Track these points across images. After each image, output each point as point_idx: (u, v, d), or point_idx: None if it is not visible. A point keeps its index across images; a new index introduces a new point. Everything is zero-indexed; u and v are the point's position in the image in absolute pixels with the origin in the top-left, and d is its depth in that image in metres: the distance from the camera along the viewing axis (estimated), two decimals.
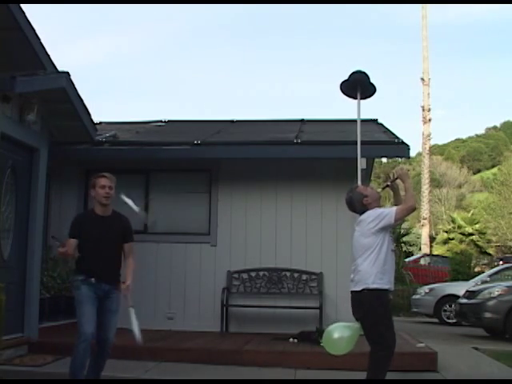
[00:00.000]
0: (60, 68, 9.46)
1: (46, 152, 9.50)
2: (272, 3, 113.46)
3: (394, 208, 6.19)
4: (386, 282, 6.07)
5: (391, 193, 6.84)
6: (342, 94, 8.50)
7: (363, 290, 6.05)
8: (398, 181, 6.53)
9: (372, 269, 6.06)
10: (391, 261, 6.22)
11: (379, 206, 6.39)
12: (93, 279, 6.37)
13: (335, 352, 6.38)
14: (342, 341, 6.24)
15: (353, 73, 8.32)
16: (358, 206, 6.37)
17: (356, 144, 9.31)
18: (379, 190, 6.66)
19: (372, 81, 8.32)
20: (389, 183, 6.57)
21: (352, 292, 6.21)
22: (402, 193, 6.46)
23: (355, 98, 8.44)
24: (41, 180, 9.34)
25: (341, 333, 6.27)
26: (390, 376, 7.78)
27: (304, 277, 10.82)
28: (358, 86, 8.30)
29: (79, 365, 6.33)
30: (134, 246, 10.99)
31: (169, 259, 11.08)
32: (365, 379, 6.05)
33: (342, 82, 8.35)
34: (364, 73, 8.34)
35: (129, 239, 6.75)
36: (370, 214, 6.20)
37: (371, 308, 6.03)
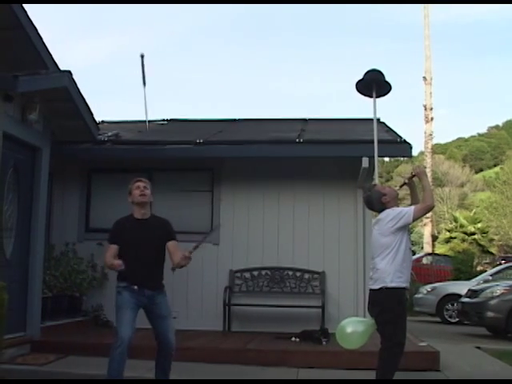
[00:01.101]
0: (63, 67, 9.48)
1: (48, 151, 9.51)
2: (272, 3, 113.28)
3: (413, 207, 6.23)
4: (403, 281, 6.14)
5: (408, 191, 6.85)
6: (357, 92, 8.49)
7: (381, 288, 6.10)
8: (416, 179, 6.54)
9: (390, 267, 6.12)
10: (409, 259, 6.31)
11: (397, 205, 6.42)
12: (135, 287, 6.22)
13: (348, 346, 6.41)
14: (355, 335, 6.28)
15: (368, 71, 8.30)
16: (377, 205, 6.40)
17: (359, 143, 9.34)
18: (396, 188, 6.68)
19: (387, 79, 8.32)
20: (406, 181, 6.59)
21: (370, 290, 6.28)
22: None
23: (371, 96, 8.43)
24: (43, 179, 9.35)
25: (354, 327, 6.31)
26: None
27: (306, 276, 10.82)
28: (374, 84, 8.29)
29: (115, 368, 6.25)
30: None
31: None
32: (375, 379, 6.06)
33: (358, 82, 8.34)
34: (379, 71, 8.33)
35: (171, 238, 6.54)
36: (388, 213, 6.23)
37: (388, 306, 6.08)
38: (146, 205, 6.50)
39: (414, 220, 6.23)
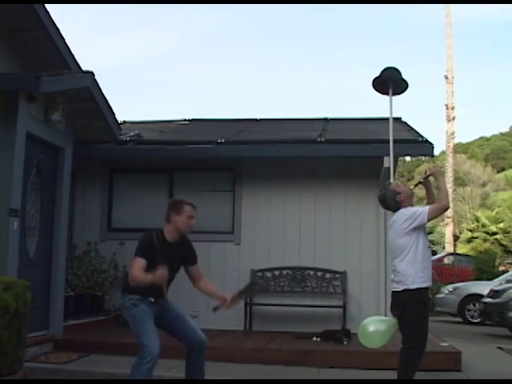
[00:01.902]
0: (85, 68, 9.54)
1: (71, 151, 9.57)
2: (295, 3, 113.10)
3: (427, 207, 6.16)
4: (425, 280, 6.11)
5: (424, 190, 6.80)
6: (374, 90, 8.46)
7: (404, 290, 6.08)
8: (431, 178, 6.50)
9: (411, 269, 6.09)
10: (428, 258, 6.28)
11: (412, 204, 6.39)
12: (151, 299, 6.10)
13: (370, 345, 6.41)
14: (377, 334, 6.27)
15: (384, 69, 8.28)
16: (392, 203, 6.38)
17: (381, 142, 9.31)
18: (412, 187, 6.65)
19: (404, 77, 8.28)
20: (421, 180, 6.56)
21: (393, 292, 6.26)
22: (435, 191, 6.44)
23: (387, 94, 8.41)
24: (65, 179, 9.41)
25: (376, 326, 6.31)
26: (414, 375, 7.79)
27: (328, 275, 10.81)
28: (390, 82, 8.27)
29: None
30: None
31: None
32: (396, 379, 6.05)
33: (374, 79, 8.31)
34: (396, 69, 8.30)
35: (194, 262, 6.46)
36: (403, 214, 6.19)
37: (410, 306, 6.07)
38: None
39: (428, 220, 6.16)
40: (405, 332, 6.12)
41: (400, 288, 6.11)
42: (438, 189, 6.22)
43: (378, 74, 8.29)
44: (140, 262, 5.86)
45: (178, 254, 6.18)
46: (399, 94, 8.51)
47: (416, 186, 6.75)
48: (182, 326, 6.29)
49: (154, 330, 5.95)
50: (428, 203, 6.48)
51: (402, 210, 6.23)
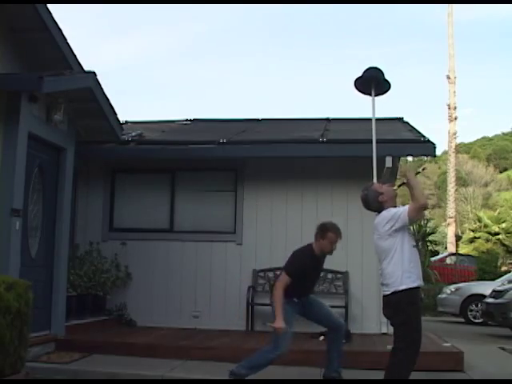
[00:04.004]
0: (87, 68, 9.55)
1: (73, 151, 9.59)
2: (295, 3, 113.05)
3: (407, 207, 6.10)
4: (414, 280, 6.03)
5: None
6: (356, 90, 8.44)
7: (393, 292, 6.03)
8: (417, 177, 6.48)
9: (398, 270, 6.03)
10: (416, 257, 6.20)
11: (395, 205, 6.36)
12: (295, 299, 7.05)
13: None
14: None
15: (366, 69, 8.24)
16: (374, 204, 6.34)
17: (383, 142, 9.30)
18: (395, 187, 6.61)
19: (387, 77, 8.25)
20: (405, 181, 6.53)
21: (383, 296, 6.21)
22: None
23: (370, 94, 8.38)
24: (67, 179, 9.43)
25: None
26: (415, 376, 7.76)
27: (329, 276, 10.80)
28: (373, 82, 8.24)
29: (255, 363, 6.94)
30: (160, 244, 11.10)
31: (194, 258, 11.13)
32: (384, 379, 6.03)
33: (356, 79, 8.29)
34: (378, 69, 8.26)
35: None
36: (384, 216, 6.15)
37: (400, 308, 6.01)
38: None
39: (410, 221, 6.12)
40: (397, 333, 6.08)
41: (389, 291, 6.06)
42: (411, 189, 6.15)
43: (360, 75, 8.24)
44: (286, 279, 6.93)
45: (321, 264, 7.51)
46: (381, 94, 8.48)
47: (399, 186, 6.71)
48: (324, 315, 7.31)
49: (290, 334, 6.88)
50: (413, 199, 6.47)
51: (384, 213, 6.19)
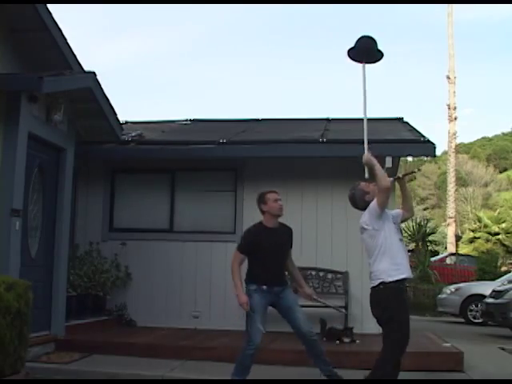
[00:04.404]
0: (88, 68, 9.55)
1: (73, 151, 9.59)
2: (296, 3, 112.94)
3: (377, 187, 6.13)
4: (402, 272, 6.04)
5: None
6: (348, 58, 8.13)
7: (380, 284, 6.04)
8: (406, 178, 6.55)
9: (384, 265, 6.06)
10: (402, 251, 6.21)
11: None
12: (264, 287, 6.90)
13: None
14: None
15: (360, 38, 8.01)
16: (360, 203, 6.41)
17: (383, 142, 9.28)
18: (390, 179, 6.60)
19: (380, 47, 8.05)
20: (398, 176, 6.57)
21: (371, 290, 6.20)
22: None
23: (361, 62, 8.11)
24: (67, 179, 9.43)
25: None
26: (415, 376, 7.81)
27: (329, 276, 10.80)
28: (364, 50, 7.98)
29: (241, 365, 6.89)
30: (160, 244, 11.10)
31: (194, 258, 11.13)
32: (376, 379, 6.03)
33: (349, 49, 8.05)
34: (371, 38, 8.07)
35: (291, 246, 7.33)
36: (364, 215, 6.25)
37: (388, 303, 6.01)
38: (280, 216, 7.15)
39: (379, 206, 6.10)
40: (385, 330, 6.08)
41: (376, 282, 6.07)
42: (374, 175, 6.14)
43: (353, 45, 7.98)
44: (238, 257, 7.04)
45: (282, 238, 7.12)
46: (373, 62, 8.23)
47: (394, 179, 6.71)
48: (291, 318, 7.02)
49: (261, 321, 6.90)
50: (402, 203, 6.54)
51: (365, 212, 6.24)
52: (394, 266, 6.03)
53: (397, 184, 6.84)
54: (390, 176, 8.51)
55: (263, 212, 7.13)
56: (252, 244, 7.01)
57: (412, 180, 77.98)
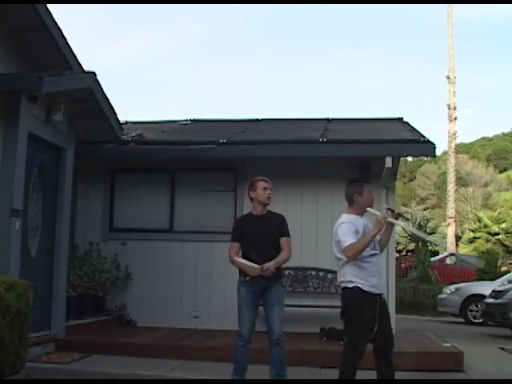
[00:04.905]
0: (87, 69, 9.55)
1: (73, 151, 9.59)
2: (296, 3, 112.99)
3: (347, 245, 6.14)
4: (364, 284, 6.16)
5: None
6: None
7: (343, 288, 6.27)
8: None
9: (348, 271, 6.23)
10: (372, 267, 6.27)
11: (360, 214, 6.46)
12: (247, 277, 6.88)
13: None
14: None
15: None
16: (347, 195, 6.56)
17: (383, 142, 9.26)
18: (386, 206, 6.71)
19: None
20: (394, 212, 6.59)
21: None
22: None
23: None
24: (67, 179, 9.43)
25: None
26: (415, 376, 7.82)
27: (329, 276, 10.79)
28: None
29: (236, 360, 6.97)
30: (160, 244, 11.06)
31: (194, 258, 11.12)
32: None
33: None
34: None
35: (284, 234, 7.19)
36: (336, 233, 6.33)
37: (348, 307, 6.23)
38: (268, 205, 7.20)
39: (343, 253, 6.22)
40: (345, 331, 6.34)
41: (341, 285, 6.31)
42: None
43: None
44: (233, 246, 7.08)
45: (269, 226, 7.09)
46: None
47: (389, 209, 6.75)
48: (268, 313, 7.02)
49: (247, 315, 6.97)
50: (380, 240, 6.50)
51: (338, 228, 6.34)
52: (358, 274, 6.19)
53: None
54: (390, 177, 8.57)
55: (251, 199, 7.21)
56: (237, 230, 7.15)
57: (411, 180, 78.01)
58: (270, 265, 6.77)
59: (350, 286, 6.17)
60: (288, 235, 7.23)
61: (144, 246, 11.26)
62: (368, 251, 6.26)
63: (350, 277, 6.20)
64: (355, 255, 6.19)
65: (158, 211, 11.43)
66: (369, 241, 6.17)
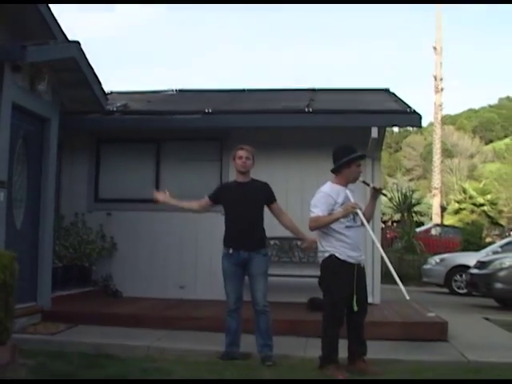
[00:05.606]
0: (72, 38, 9.45)
1: (57, 122, 9.51)
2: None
3: (314, 215, 6.48)
4: (341, 253, 6.40)
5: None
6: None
7: (322, 260, 6.56)
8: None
9: (324, 241, 6.54)
10: (348, 239, 6.47)
11: (344, 184, 6.63)
12: (230, 250, 7.08)
13: None
14: None
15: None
16: (335, 159, 6.75)
17: (368, 113, 9.24)
18: (361, 179, 6.87)
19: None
20: (375, 188, 6.69)
21: None
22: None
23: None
24: (52, 150, 9.36)
25: None
26: (401, 345, 7.89)
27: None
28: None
29: (226, 331, 7.19)
30: (145, 214, 11.01)
31: (180, 228, 11.10)
32: None
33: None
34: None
35: (272, 200, 7.46)
36: (314, 197, 6.68)
37: (323, 275, 6.54)
38: (246, 172, 7.35)
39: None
40: (324, 299, 6.61)
41: (320, 259, 6.60)
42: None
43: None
44: (203, 199, 7.49)
45: (252, 193, 7.27)
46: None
47: (364, 182, 6.95)
48: (251, 284, 7.12)
49: (232, 287, 7.12)
50: (364, 211, 6.69)
51: (315, 195, 6.61)
52: (333, 248, 6.45)
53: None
54: (376, 147, 8.57)
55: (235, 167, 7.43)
56: (219, 191, 7.51)
57: (397, 151, 78.15)
58: (312, 237, 7.11)
59: (327, 254, 6.38)
60: (276, 200, 7.47)
61: (129, 216, 11.24)
62: (344, 222, 6.35)
63: (326, 247, 6.41)
64: (315, 228, 6.43)
65: (144, 181, 11.37)
66: (332, 220, 6.39)
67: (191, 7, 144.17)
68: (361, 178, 6.83)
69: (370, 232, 6.69)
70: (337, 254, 6.37)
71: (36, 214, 9.10)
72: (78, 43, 9.11)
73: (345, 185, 6.61)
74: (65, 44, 9.27)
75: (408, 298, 6.61)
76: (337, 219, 6.36)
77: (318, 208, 6.45)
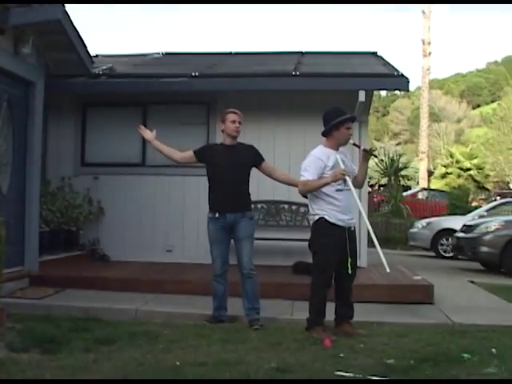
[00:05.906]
0: None
1: (43, 85, 9.41)
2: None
3: (304, 179, 6.55)
4: (331, 216, 6.45)
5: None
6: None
7: (311, 220, 6.65)
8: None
9: (315, 204, 6.60)
10: (338, 202, 6.51)
11: (335, 148, 6.64)
12: (217, 214, 7.03)
13: None
14: None
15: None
16: (325, 123, 6.73)
17: (356, 76, 9.19)
18: (351, 142, 6.86)
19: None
20: (365, 149, 6.73)
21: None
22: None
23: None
24: (37, 113, 9.28)
25: None
26: (388, 308, 7.95)
27: (302, 209, 10.81)
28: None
29: (213, 294, 7.23)
30: (132, 178, 10.95)
31: (167, 192, 11.10)
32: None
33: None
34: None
35: (260, 160, 7.37)
36: (306, 159, 6.71)
37: (313, 237, 6.59)
38: (236, 137, 7.27)
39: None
40: (313, 261, 6.64)
41: (310, 221, 6.70)
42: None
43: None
44: (187, 152, 7.45)
45: (239, 155, 7.19)
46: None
47: (354, 145, 7.01)
48: (237, 248, 7.12)
49: (218, 251, 7.12)
50: (357, 174, 6.81)
51: (308, 156, 6.67)
52: (323, 211, 6.50)
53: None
54: (363, 111, 8.53)
55: (222, 131, 7.33)
56: (206, 149, 7.48)
57: (385, 115, 78.13)
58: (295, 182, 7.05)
59: (317, 217, 6.42)
60: (264, 159, 7.41)
61: (116, 180, 11.21)
62: (334, 186, 6.38)
63: (316, 210, 6.45)
64: (305, 192, 6.47)
65: (131, 145, 11.31)
66: (321, 185, 6.42)
67: None
68: (351, 141, 6.82)
69: (357, 199, 6.68)
70: (326, 217, 6.40)
71: (22, 179, 9.05)
72: (62, 5, 8.98)
73: (336, 148, 6.61)
74: (49, 6, 9.13)
75: (388, 271, 6.67)
76: (326, 184, 6.38)
77: (307, 172, 6.47)
